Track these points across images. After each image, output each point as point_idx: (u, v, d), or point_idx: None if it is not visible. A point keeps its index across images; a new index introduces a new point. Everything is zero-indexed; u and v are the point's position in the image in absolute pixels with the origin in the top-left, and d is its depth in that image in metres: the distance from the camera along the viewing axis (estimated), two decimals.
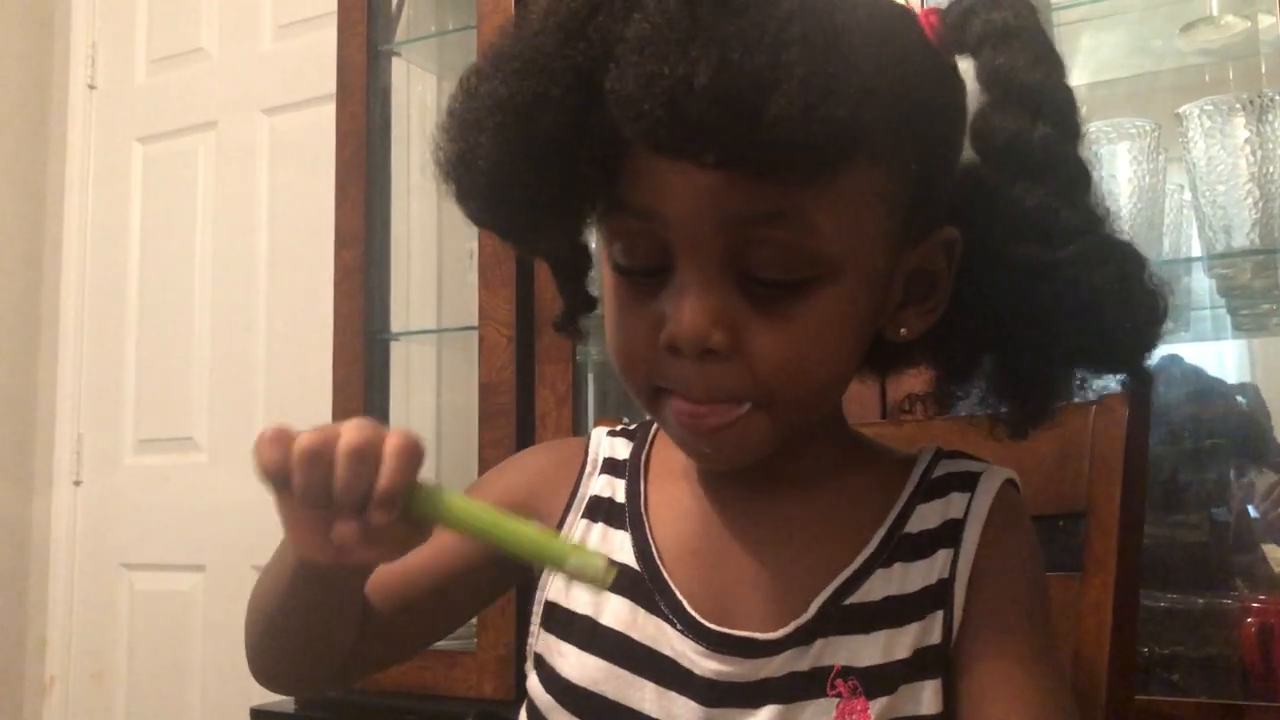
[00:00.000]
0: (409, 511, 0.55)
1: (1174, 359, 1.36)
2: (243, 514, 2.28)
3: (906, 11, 0.64)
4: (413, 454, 0.54)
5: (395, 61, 1.78)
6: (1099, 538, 0.88)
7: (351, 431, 0.54)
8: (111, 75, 2.58)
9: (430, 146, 0.65)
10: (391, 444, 0.54)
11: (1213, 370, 1.42)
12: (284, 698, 1.56)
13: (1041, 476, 0.91)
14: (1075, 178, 0.63)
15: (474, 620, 1.47)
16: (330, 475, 0.53)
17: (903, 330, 0.66)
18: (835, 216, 0.58)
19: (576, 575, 0.55)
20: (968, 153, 0.66)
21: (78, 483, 2.51)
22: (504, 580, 0.77)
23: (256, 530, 2.52)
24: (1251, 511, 1.34)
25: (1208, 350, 1.44)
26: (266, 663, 0.73)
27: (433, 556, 0.73)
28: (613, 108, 0.55)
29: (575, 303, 0.74)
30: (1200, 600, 1.21)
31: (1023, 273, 0.63)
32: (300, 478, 0.54)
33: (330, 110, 1.75)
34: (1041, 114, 0.62)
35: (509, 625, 1.43)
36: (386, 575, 0.73)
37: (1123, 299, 0.64)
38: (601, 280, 0.67)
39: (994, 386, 0.71)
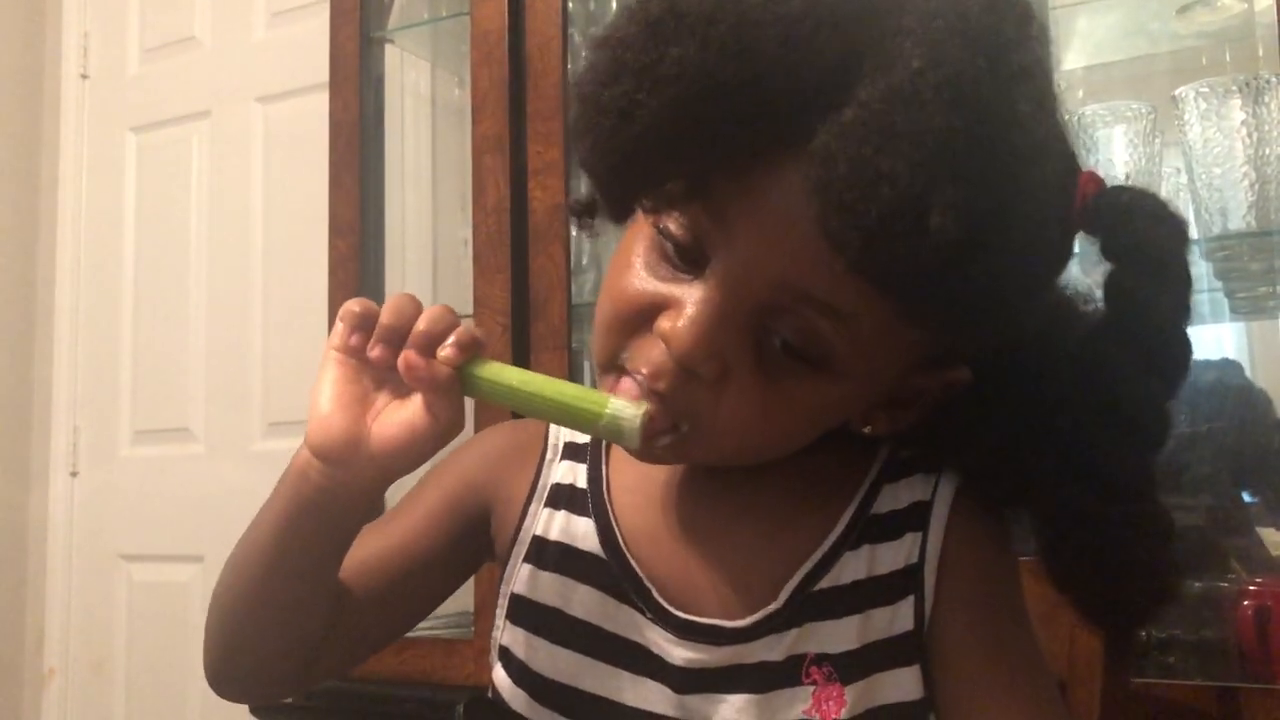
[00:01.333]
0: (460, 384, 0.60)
1: None
2: (240, 504, 2.25)
3: (1072, 168, 0.62)
4: (476, 335, 0.60)
5: (389, 49, 1.77)
6: None
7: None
8: (104, 64, 2.57)
9: (580, 61, 0.62)
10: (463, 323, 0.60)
11: (1211, 354, 1.41)
12: None
13: None
14: (1148, 421, 0.62)
15: (470, 608, 1.48)
16: (411, 320, 0.60)
17: (867, 428, 0.64)
18: (878, 339, 0.57)
19: (610, 433, 0.59)
20: None
21: (74, 474, 2.50)
22: (463, 567, 0.76)
23: None
24: (1247, 497, 1.33)
25: (1206, 333, 1.44)
26: (229, 657, 0.70)
27: (400, 544, 0.73)
28: (813, 163, 0.52)
29: (610, 209, 0.64)
30: (1197, 583, 1.21)
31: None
32: (393, 305, 0.60)
33: (324, 98, 1.74)
34: (1142, 346, 0.61)
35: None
36: (360, 563, 0.72)
37: (1134, 559, 0.62)
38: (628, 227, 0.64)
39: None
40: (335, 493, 0.62)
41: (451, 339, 0.59)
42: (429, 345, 0.59)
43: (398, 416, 0.60)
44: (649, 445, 0.60)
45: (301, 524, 0.63)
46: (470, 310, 1.54)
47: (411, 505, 0.75)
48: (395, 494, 0.74)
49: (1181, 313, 0.62)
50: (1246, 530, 1.33)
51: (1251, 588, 1.17)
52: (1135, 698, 0.98)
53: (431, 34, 1.84)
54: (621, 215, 0.62)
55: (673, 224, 0.59)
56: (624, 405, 0.58)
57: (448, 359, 0.59)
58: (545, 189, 1.49)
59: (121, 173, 2.52)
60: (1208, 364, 1.38)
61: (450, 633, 1.50)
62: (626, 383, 0.60)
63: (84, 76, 2.58)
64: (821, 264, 0.54)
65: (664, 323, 0.58)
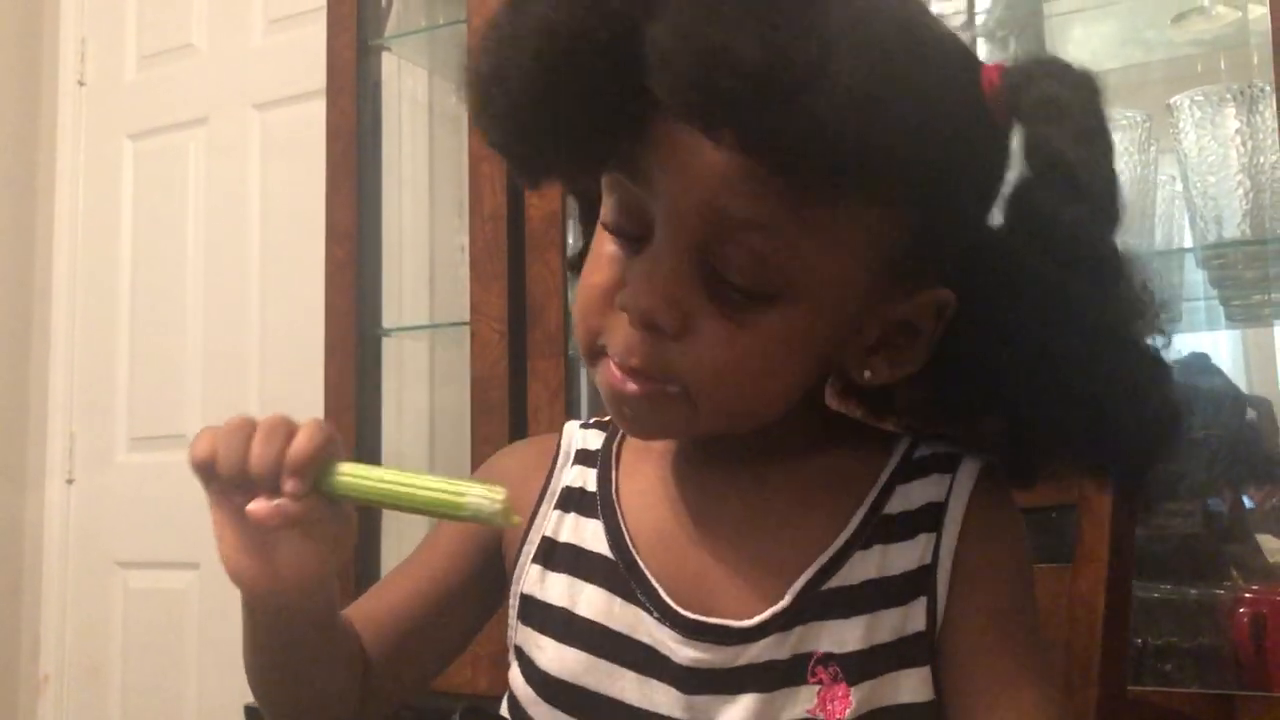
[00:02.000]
0: (323, 489, 0.59)
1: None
2: None
3: (971, 59, 0.63)
4: (322, 429, 0.58)
5: (385, 56, 1.77)
6: (1091, 529, 0.88)
7: (272, 417, 0.59)
8: (101, 72, 2.57)
9: (467, 60, 0.63)
10: (309, 422, 0.59)
11: (1213, 360, 1.41)
12: None
13: None
14: (1105, 263, 0.61)
15: None
16: (246, 447, 0.58)
17: (867, 373, 0.64)
18: (819, 246, 0.57)
19: (477, 520, 0.58)
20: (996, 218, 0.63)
21: (70, 481, 2.50)
22: (492, 595, 0.76)
23: None
24: (1247, 502, 1.34)
25: (1202, 341, 1.44)
26: (269, 712, 0.73)
27: (413, 593, 0.74)
28: (649, 59, 0.54)
29: (520, 176, 0.68)
30: (1193, 591, 1.21)
31: (1028, 355, 0.61)
32: (222, 452, 0.58)
33: (321, 105, 1.75)
34: (1080, 194, 0.60)
35: (503, 621, 1.43)
36: (374, 613, 0.73)
37: (1133, 408, 0.61)
38: None
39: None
40: (284, 615, 0.65)
41: (289, 467, 0.58)
42: (271, 482, 0.58)
43: (296, 548, 0.61)
44: (654, 421, 0.62)
45: (270, 638, 0.66)
46: (467, 317, 1.54)
47: (431, 545, 0.76)
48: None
49: (1106, 161, 0.62)
50: (1245, 537, 1.33)
51: (1247, 595, 1.17)
52: (1131, 705, 0.98)
53: (429, 41, 1.84)
54: (534, 181, 0.66)
55: (609, 213, 0.62)
56: (481, 494, 0.57)
57: (293, 491, 0.58)
58: (542, 196, 1.49)
59: (118, 180, 2.52)
60: (1202, 370, 1.38)
61: None
62: (607, 367, 0.62)
63: (81, 83, 2.58)
64: (730, 180, 0.56)
65: (622, 296, 0.60)
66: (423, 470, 0.60)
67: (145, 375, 2.44)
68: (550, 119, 0.59)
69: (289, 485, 0.58)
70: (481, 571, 0.74)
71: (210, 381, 2.33)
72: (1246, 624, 1.13)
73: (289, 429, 0.59)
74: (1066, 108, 0.61)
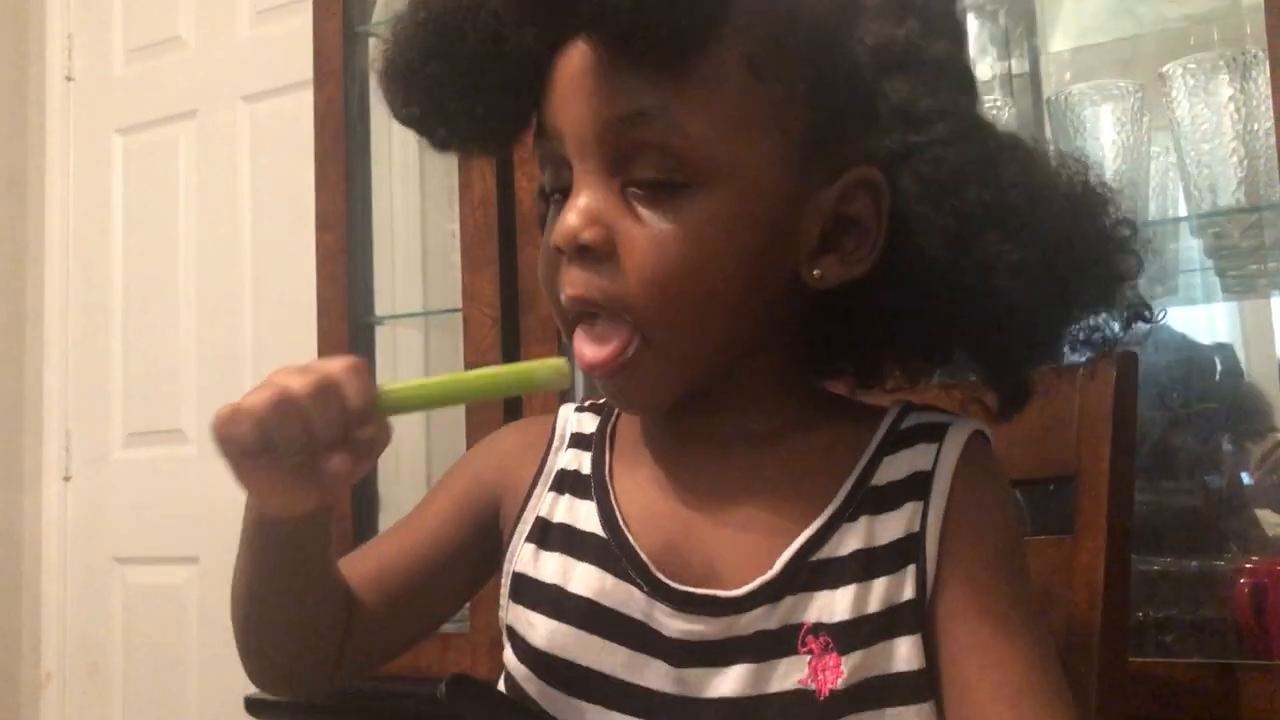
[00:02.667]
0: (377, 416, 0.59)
1: (1160, 325, 1.36)
2: (234, 505, 2.25)
3: None
4: (361, 368, 0.58)
5: (373, 43, 1.76)
6: (1089, 500, 0.88)
7: (298, 377, 0.57)
8: (89, 67, 2.56)
9: (377, 59, 0.69)
10: (340, 368, 0.58)
11: (1203, 334, 1.41)
12: None
13: (1030, 440, 0.90)
14: (944, 71, 0.65)
15: (468, 604, 1.47)
16: (305, 420, 0.56)
17: (816, 272, 0.65)
18: (706, 122, 0.60)
19: (546, 387, 0.62)
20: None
21: (67, 478, 2.50)
22: (482, 565, 0.77)
23: None
24: (1245, 478, 1.33)
25: (1199, 314, 1.44)
26: (256, 659, 0.74)
27: (415, 546, 0.75)
28: None
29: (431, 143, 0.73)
30: (1193, 563, 1.21)
31: (965, 256, 0.63)
32: (280, 433, 0.56)
33: (310, 95, 1.73)
34: (910, 11, 0.65)
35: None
36: (363, 566, 0.75)
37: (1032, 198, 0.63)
38: None
39: (968, 362, 0.70)
40: (297, 535, 0.67)
41: (356, 419, 0.58)
42: (339, 433, 0.58)
43: (346, 468, 0.59)
44: (624, 378, 0.64)
45: (274, 545, 0.67)
46: (460, 304, 1.54)
47: (425, 510, 0.78)
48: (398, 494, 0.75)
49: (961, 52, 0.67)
50: (1244, 511, 1.33)
51: (1248, 566, 1.16)
52: (1133, 678, 0.98)
53: None
54: (441, 146, 0.70)
55: (544, 183, 0.68)
56: (545, 365, 0.62)
57: (367, 437, 0.58)
58: (532, 179, 1.45)
59: (109, 175, 2.51)
60: (1205, 348, 1.37)
61: (446, 627, 1.49)
62: (576, 341, 0.64)
63: (69, 79, 2.58)
64: (604, 83, 0.61)
65: (552, 236, 0.64)
66: (456, 373, 0.63)
67: (140, 370, 2.44)
68: (456, 100, 0.66)
69: (363, 434, 0.58)
70: (473, 537, 0.75)
71: (205, 375, 2.33)
72: (1247, 594, 1.13)
73: (331, 382, 0.57)
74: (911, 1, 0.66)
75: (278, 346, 2.19)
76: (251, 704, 1.58)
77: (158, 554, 2.35)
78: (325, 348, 1.67)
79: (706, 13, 0.59)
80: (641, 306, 0.62)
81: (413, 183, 1.84)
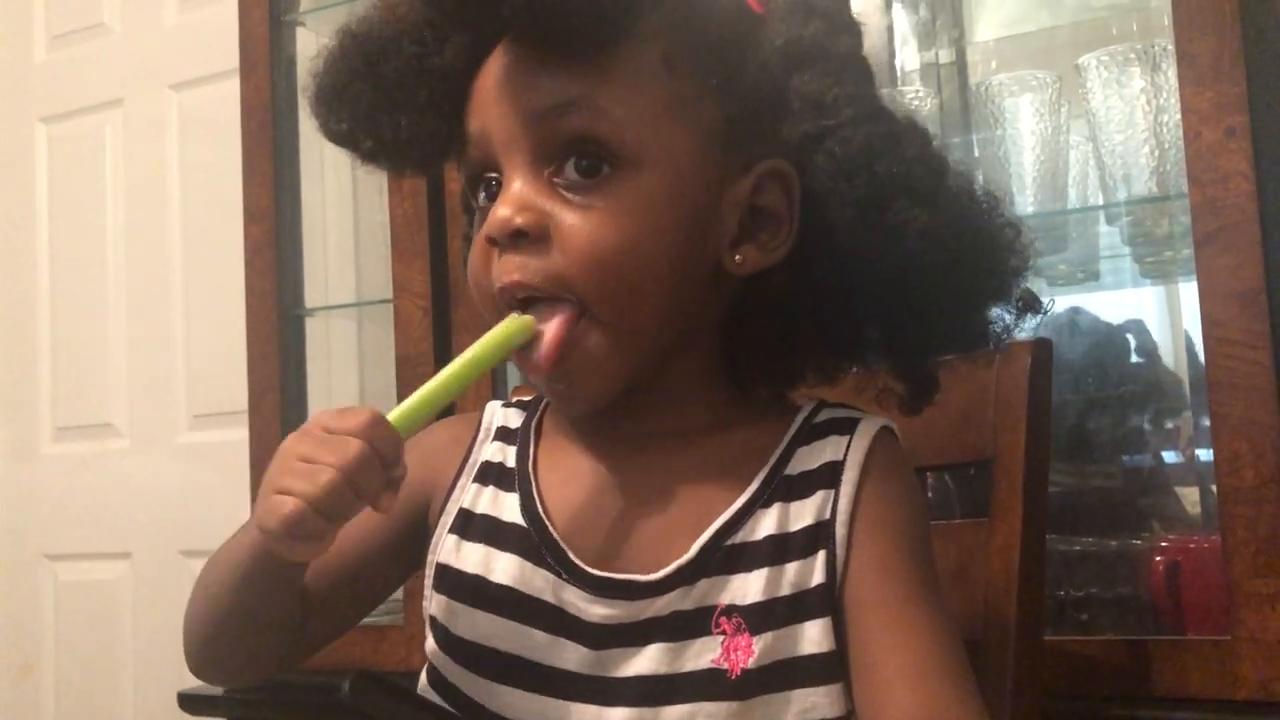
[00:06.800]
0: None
1: (1076, 310, 1.39)
2: (166, 499, 2.25)
3: None
4: (380, 418, 0.61)
5: (300, 31, 1.74)
6: (1005, 483, 0.90)
7: (335, 452, 0.59)
8: (10, 54, 2.50)
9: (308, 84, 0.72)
10: (365, 426, 0.60)
11: (1126, 317, 1.44)
12: None
13: (950, 426, 0.93)
14: (847, 64, 0.69)
15: (400, 594, 1.47)
16: (355, 490, 0.60)
17: (738, 258, 0.68)
18: (629, 109, 0.64)
19: (521, 344, 0.65)
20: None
21: None
22: (411, 557, 0.78)
23: (181, 515, 2.45)
24: (1173, 456, 1.37)
25: (1125, 298, 1.47)
26: (211, 654, 0.75)
27: (352, 543, 0.75)
28: None
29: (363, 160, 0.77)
30: (1113, 543, 1.24)
31: (848, 205, 0.67)
32: (338, 511, 0.60)
33: (238, 84, 1.71)
34: (814, 13, 0.69)
35: None
36: (321, 562, 0.75)
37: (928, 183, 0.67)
38: None
39: (878, 358, 0.74)
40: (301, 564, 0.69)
41: (389, 469, 0.61)
42: (381, 486, 0.62)
43: (391, 504, 0.64)
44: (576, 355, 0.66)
45: (273, 571, 0.68)
46: (390, 295, 1.53)
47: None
48: None
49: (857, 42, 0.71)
50: (1166, 490, 1.37)
51: (1163, 544, 1.20)
52: (1050, 655, 1.00)
53: (345, 15, 1.81)
54: (369, 158, 0.73)
55: (478, 197, 0.70)
56: (518, 328, 0.65)
57: (401, 475, 0.62)
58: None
59: (32, 165, 2.45)
60: (1114, 326, 1.41)
61: (380, 619, 1.49)
62: (528, 356, 0.66)
63: None
64: (527, 78, 0.65)
65: (485, 230, 0.66)
66: (441, 371, 0.65)
67: (68, 363, 2.39)
68: (386, 118, 0.70)
69: (398, 473, 0.62)
70: (403, 532, 0.77)
71: (135, 368, 2.29)
72: (1162, 572, 1.17)
73: (363, 449, 0.60)
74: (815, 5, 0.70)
75: (208, 338, 2.16)
76: (185, 699, 1.57)
77: (89, 550, 2.31)
78: (254, 339, 1.65)
79: (625, 5, 0.63)
80: (581, 281, 0.64)
81: (344, 172, 1.82)
